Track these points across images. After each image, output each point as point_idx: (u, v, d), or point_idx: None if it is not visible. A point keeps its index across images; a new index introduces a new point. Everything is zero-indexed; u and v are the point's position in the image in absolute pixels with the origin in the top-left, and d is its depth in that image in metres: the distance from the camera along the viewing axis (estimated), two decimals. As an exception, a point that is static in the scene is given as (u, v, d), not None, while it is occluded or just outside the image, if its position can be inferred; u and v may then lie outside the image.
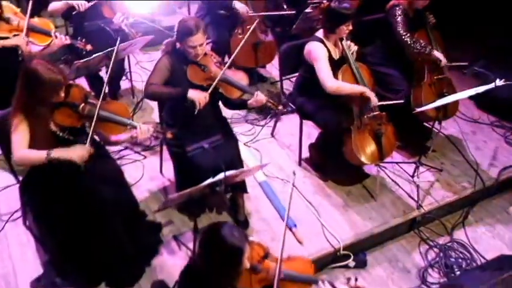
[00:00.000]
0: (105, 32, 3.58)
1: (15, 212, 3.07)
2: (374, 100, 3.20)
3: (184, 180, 2.87)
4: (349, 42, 3.32)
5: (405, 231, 3.38)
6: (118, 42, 2.79)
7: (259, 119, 4.10)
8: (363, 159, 3.29)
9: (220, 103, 3.10)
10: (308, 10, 3.86)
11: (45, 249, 2.85)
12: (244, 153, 3.53)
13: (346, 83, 3.20)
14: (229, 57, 3.38)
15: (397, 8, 3.56)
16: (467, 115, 4.32)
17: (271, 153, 3.78)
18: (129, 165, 3.52)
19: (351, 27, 3.18)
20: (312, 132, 3.74)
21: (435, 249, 3.26)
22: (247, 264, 2.04)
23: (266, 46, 4.27)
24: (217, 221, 2.55)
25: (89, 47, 3.30)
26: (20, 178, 2.81)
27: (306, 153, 3.70)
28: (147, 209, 3.07)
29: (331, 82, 3.15)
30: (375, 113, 3.30)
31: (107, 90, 3.94)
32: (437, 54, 3.57)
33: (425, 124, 3.98)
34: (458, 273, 3.13)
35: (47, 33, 3.25)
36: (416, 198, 3.39)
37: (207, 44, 3.11)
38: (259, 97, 2.88)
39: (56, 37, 3.21)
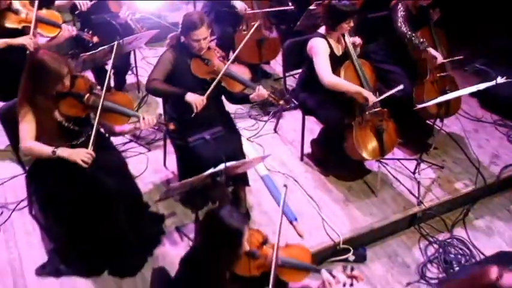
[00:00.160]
0: (112, 26, 3.61)
1: (22, 201, 3.12)
2: (372, 99, 3.19)
3: (186, 171, 2.91)
4: (352, 38, 3.33)
5: (405, 227, 3.39)
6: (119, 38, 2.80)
7: (262, 114, 4.14)
8: (364, 154, 3.31)
9: (223, 98, 3.14)
10: (312, 7, 3.89)
11: (50, 238, 2.91)
12: (247, 147, 3.57)
13: (344, 81, 3.21)
14: (234, 53, 3.41)
15: (400, 4, 3.59)
16: (471, 114, 4.32)
17: (274, 148, 3.80)
18: (134, 158, 3.56)
19: (352, 24, 3.20)
20: (314, 128, 3.78)
21: (435, 245, 3.27)
22: (246, 246, 2.04)
23: (270, 42, 4.30)
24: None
25: (95, 39, 3.34)
26: (27, 168, 2.86)
27: (308, 149, 3.72)
28: (150, 201, 3.10)
29: (329, 77, 3.17)
30: (376, 109, 3.32)
31: (112, 84, 4.04)
32: (433, 51, 3.57)
33: (427, 121, 3.98)
34: (457, 269, 3.14)
35: (55, 25, 3.30)
36: (417, 195, 3.40)
37: (211, 40, 3.15)
38: (261, 91, 2.91)
39: (63, 28, 3.26)
